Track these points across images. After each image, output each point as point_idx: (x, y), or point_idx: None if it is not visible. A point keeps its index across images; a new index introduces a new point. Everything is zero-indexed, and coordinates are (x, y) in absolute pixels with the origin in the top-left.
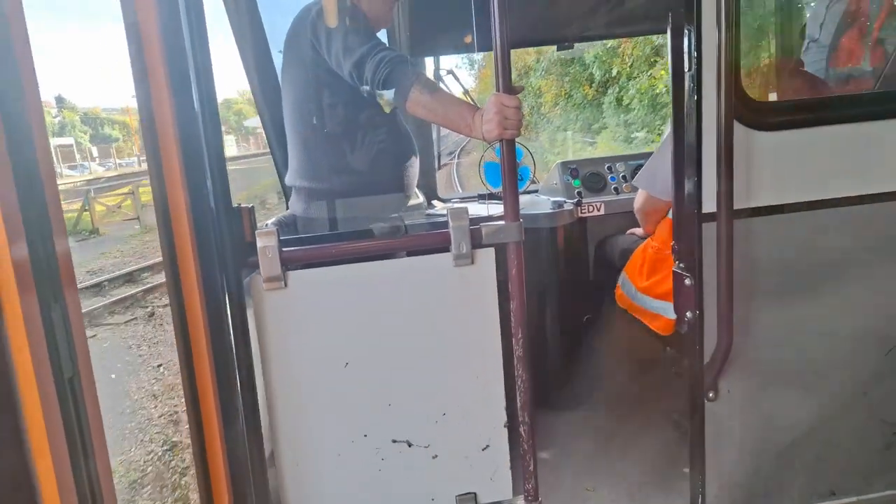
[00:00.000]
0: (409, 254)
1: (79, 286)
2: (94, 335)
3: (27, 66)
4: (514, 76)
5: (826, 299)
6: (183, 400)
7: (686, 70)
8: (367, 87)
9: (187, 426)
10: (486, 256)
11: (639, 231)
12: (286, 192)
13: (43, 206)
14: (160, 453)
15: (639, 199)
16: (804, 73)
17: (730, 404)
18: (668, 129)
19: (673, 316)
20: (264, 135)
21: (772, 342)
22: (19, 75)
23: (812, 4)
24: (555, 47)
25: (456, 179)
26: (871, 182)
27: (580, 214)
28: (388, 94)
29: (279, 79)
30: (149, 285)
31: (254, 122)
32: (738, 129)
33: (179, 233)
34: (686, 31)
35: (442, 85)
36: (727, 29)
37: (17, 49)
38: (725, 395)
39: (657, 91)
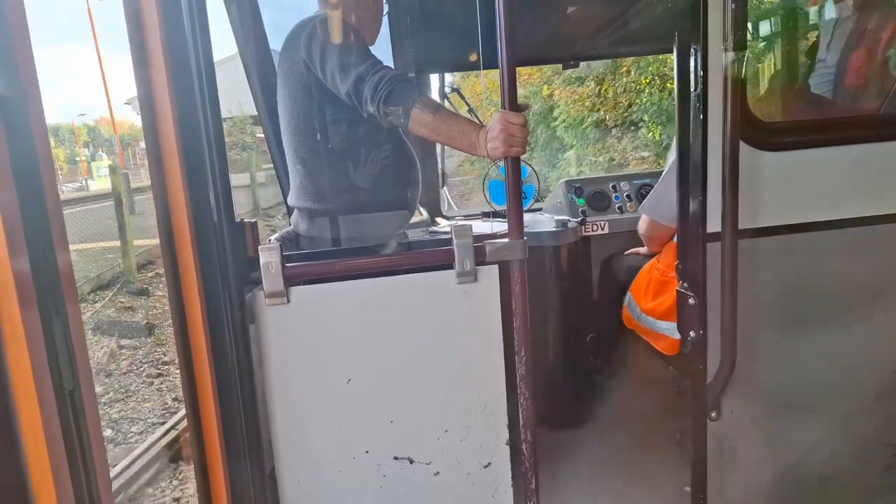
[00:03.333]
0: (413, 270)
1: None
2: None
3: (31, 80)
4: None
5: (829, 320)
6: None
7: (692, 90)
8: (366, 108)
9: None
10: (490, 274)
11: (643, 250)
12: (289, 209)
13: (45, 218)
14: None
15: (643, 224)
16: (810, 93)
17: (732, 424)
18: (671, 156)
19: (678, 336)
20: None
21: (775, 362)
22: (23, 89)
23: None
24: None
25: (448, 198)
26: (877, 203)
27: (584, 233)
28: (388, 114)
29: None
30: None
31: None
32: (744, 149)
33: (182, 247)
34: (692, 51)
35: (446, 102)
36: (733, 49)
37: (21, 63)
38: (728, 415)
39: None
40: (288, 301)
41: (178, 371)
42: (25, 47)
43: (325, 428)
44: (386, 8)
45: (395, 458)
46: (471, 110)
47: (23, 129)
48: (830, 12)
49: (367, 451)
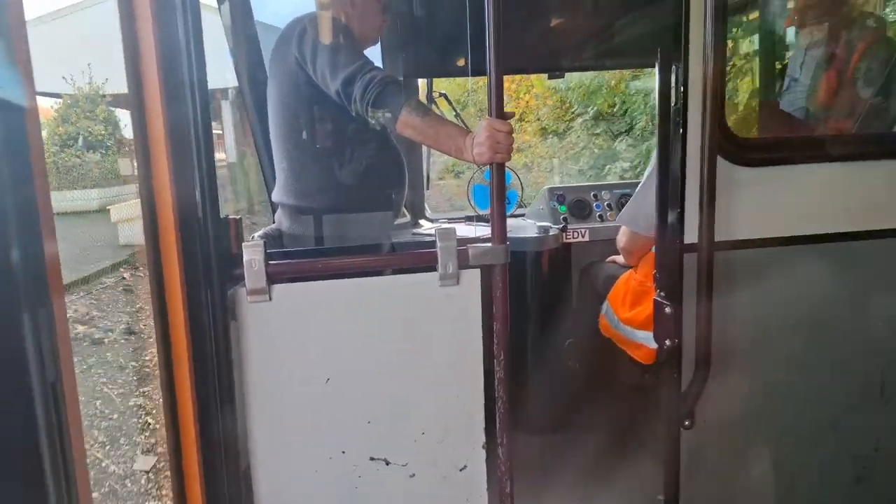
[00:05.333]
0: (396, 272)
1: None
2: None
3: (27, 73)
4: None
5: (803, 333)
6: None
7: (672, 104)
8: (355, 107)
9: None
10: (472, 277)
11: (620, 259)
12: (273, 206)
13: (34, 208)
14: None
15: (622, 236)
16: (781, 112)
17: (705, 433)
18: (649, 167)
19: (654, 345)
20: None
21: (748, 373)
22: (19, 82)
23: (793, 45)
24: None
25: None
26: (847, 220)
27: (565, 240)
28: (377, 115)
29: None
30: None
31: None
32: (721, 164)
33: (166, 242)
34: (674, 67)
35: (434, 107)
36: (713, 66)
37: (16, 47)
38: (701, 424)
39: None
40: (270, 299)
41: None
42: (20, 31)
43: (302, 427)
44: (386, 17)
45: (372, 458)
46: (457, 115)
47: (15, 121)
48: (805, 33)
49: (343, 452)
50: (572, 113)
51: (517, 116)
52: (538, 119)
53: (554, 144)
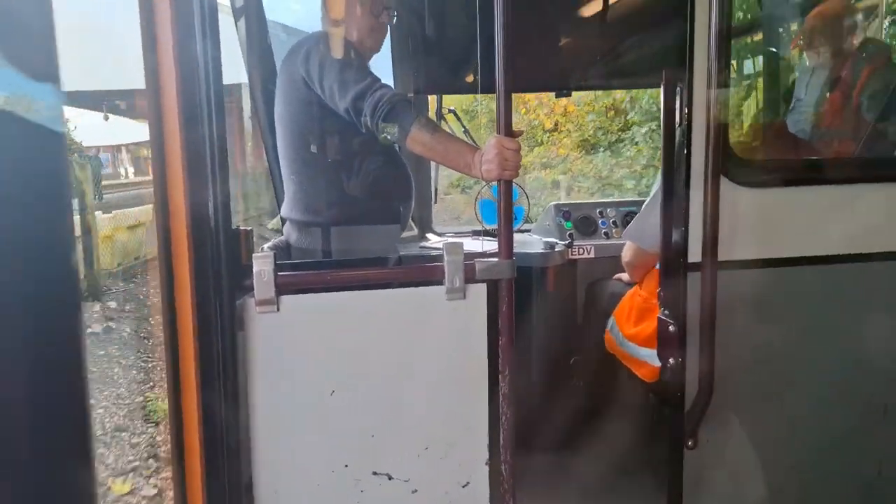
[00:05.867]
0: (402, 285)
1: None
2: None
3: (55, 86)
4: None
5: (806, 353)
6: None
7: (677, 125)
8: (365, 122)
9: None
10: (478, 292)
11: (625, 277)
12: (282, 219)
13: (53, 219)
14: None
15: (627, 251)
16: (785, 133)
17: (709, 453)
18: (656, 184)
19: (658, 364)
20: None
21: (752, 392)
22: (51, 96)
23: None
24: None
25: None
26: (849, 242)
27: (571, 256)
28: (387, 131)
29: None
30: None
31: None
32: (725, 184)
33: (178, 252)
34: (678, 88)
35: (443, 123)
36: (717, 87)
37: (43, 59)
38: (705, 444)
39: None
40: (278, 309)
41: None
42: (49, 47)
43: (305, 439)
44: (384, 18)
45: (375, 473)
46: (466, 131)
47: (42, 131)
48: (811, 55)
49: (346, 465)
50: (625, 120)
51: (551, 126)
52: (579, 129)
53: (604, 160)
